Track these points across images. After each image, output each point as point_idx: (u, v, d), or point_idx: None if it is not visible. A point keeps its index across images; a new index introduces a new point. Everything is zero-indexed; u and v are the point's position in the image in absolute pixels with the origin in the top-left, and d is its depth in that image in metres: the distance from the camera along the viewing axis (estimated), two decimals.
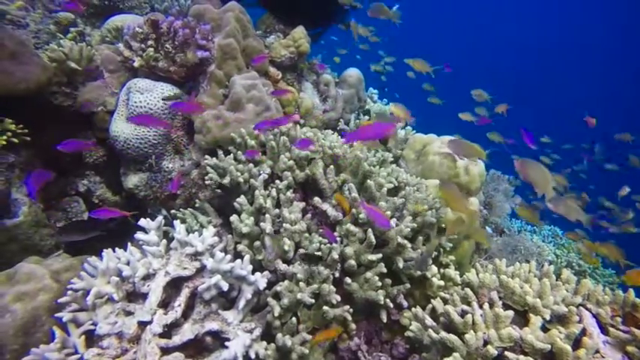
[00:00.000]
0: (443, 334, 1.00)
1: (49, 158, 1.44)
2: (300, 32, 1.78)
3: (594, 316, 1.02)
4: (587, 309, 1.03)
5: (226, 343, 0.94)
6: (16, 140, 1.22)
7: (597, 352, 0.91)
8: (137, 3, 2.16)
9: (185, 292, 0.99)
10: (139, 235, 1.06)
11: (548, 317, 0.98)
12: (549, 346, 0.90)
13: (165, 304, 0.98)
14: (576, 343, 0.93)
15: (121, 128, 1.44)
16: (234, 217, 1.19)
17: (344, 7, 2.01)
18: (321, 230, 1.19)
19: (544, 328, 0.97)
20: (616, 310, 1.02)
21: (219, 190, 1.25)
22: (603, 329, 0.99)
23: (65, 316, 0.93)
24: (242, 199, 1.22)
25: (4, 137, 1.18)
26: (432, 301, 1.16)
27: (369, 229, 1.14)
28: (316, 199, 1.25)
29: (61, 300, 0.95)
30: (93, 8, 1.96)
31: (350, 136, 1.07)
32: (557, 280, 1.12)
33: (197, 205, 1.41)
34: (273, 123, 1.31)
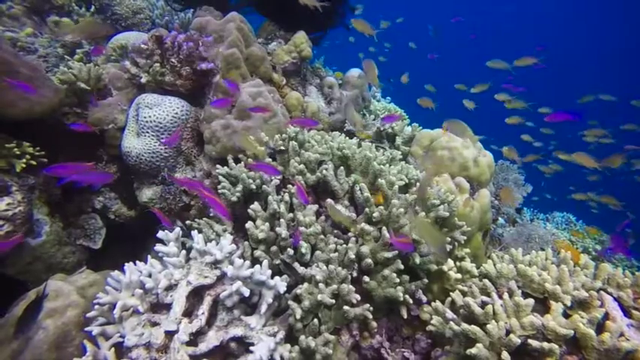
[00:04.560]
0: (465, 325, 1.01)
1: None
2: (301, 37, 1.80)
3: (616, 299, 1.01)
4: (608, 293, 1.03)
5: (251, 348, 0.96)
6: (34, 162, 1.25)
7: (622, 335, 0.90)
8: (139, 20, 2.21)
9: (207, 300, 1.01)
10: (158, 247, 1.08)
11: (569, 303, 0.98)
12: (572, 332, 0.90)
13: (188, 312, 1.00)
14: (599, 328, 0.92)
15: (133, 144, 1.48)
16: (249, 224, 1.21)
17: (343, 9, 2.03)
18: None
19: (565, 315, 0.97)
20: (638, 292, 1.01)
21: (234, 198, 1.27)
22: (626, 313, 0.98)
23: (94, 329, 0.95)
24: (256, 205, 1.24)
25: (24, 160, 1.21)
26: (451, 294, 1.16)
27: (384, 228, 1.15)
28: (329, 200, 1.27)
29: (89, 314, 0.98)
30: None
31: None
32: (574, 266, 1.12)
33: (211, 214, 1.44)
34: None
